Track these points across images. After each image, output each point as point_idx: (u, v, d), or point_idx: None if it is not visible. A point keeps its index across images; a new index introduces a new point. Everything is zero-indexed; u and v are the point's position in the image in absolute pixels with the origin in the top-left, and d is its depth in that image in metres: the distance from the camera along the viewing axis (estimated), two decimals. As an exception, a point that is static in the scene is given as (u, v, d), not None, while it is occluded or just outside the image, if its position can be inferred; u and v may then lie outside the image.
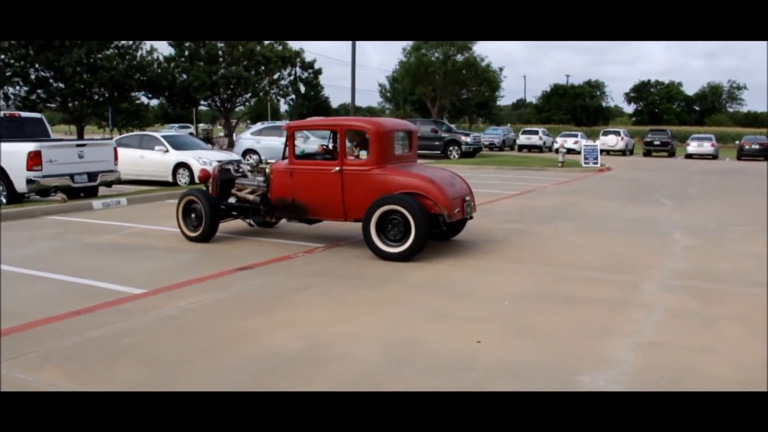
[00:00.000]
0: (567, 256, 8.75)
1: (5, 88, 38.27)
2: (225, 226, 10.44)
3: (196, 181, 15.88)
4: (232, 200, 9.99)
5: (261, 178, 9.77)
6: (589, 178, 22.49)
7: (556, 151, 29.71)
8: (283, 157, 9.60)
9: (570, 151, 37.38)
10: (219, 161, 10.43)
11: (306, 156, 10.07)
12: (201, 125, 71.80)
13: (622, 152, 42.66)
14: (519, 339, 5.41)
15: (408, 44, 50.33)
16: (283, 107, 59.83)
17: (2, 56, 36.41)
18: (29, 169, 13.20)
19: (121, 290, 6.76)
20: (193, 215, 9.71)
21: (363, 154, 9.16)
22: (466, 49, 48.74)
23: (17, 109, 37.80)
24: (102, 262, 8.14)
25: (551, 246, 9.55)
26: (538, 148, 46.66)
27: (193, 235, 9.65)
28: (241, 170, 10.23)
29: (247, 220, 10.17)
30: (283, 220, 10.00)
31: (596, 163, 27.34)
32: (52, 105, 42.21)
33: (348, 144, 9.42)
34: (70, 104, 41.05)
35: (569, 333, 5.55)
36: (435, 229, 8.64)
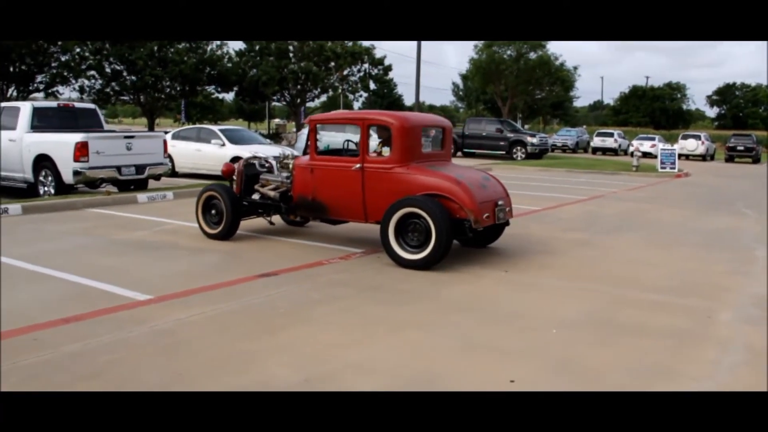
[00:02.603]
0: (632, 274, 7.74)
1: (81, 80, 39.01)
2: (267, 227, 9.83)
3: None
4: (255, 197, 9.37)
5: (285, 174, 9.14)
6: (665, 184, 21.06)
7: (631, 154, 28.18)
8: (304, 152, 8.91)
9: (646, 155, 35.74)
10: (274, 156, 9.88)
11: (330, 152, 9.37)
12: (276, 120, 72.34)
13: (702, 157, 40.53)
14: (560, 379, 4.50)
15: (480, 41, 49.18)
16: (357, 104, 59.41)
17: (78, 50, 37.01)
18: (76, 160, 12.92)
19: (125, 295, 6.16)
20: (213, 211, 9.17)
21: (386, 151, 8.38)
22: (540, 47, 47.28)
23: (92, 101, 38.60)
24: (119, 262, 7.59)
25: (615, 260, 8.53)
26: (613, 151, 44.79)
27: (212, 232, 9.12)
28: (267, 165, 9.58)
29: (268, 218, 9.56)
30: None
31: (673, 168, 25.76)
32: (126, 97, 42.93)
33: (374, 140, 8.65)
34: (142, 97, 41.64)
35: (621, 374, 4.61)
36: (461, 236, 7.87)
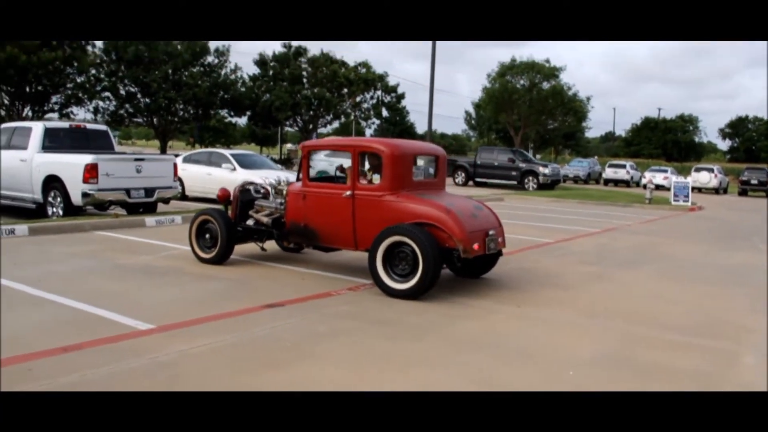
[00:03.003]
0: (648, 311, 7.50)
1: (95, 101, 39.22)
2: (275, 253, 9.69)
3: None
4: (250, 222, 9.31)
5: (280, 200, 9.09)
6: (679, 218, 20.80)
7: (644, 186, 27.95)
8: (297, 178, 8.85)
9: (659, 187, 35.48)
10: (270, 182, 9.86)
11: (322, 178, 9.35)
12: (288, 145, 72.50)
13: (716, 190, 40.28)
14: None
15: (493, 70, 49.28)
16: (369, 131, 59.53)
17: (93, 71, 37.26)
18: (85, 181, 12.81)
19: (126, 323, 5.98)
20: (207, 236, 9.12)
21: (377, 179, 8.26)
22: (553, 76, 47.29)
23: (106, 122, 38.79)
24: (123, 288, 7.43)
25: (631, 296, 8.30)
26: (625, 183, 44.58)
27: (205, 256, 9.07)
28: (262, 191, 9.50)
29: (260, 244, 9.49)
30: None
31: (687, 201, 25.49)
32: (139, 120, 43.14)
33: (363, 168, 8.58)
34: (155, 120, 41.81)
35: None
36: (450, 265, 7.81)
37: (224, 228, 8.89)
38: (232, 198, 9.49)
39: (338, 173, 9.02)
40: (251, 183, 9.86)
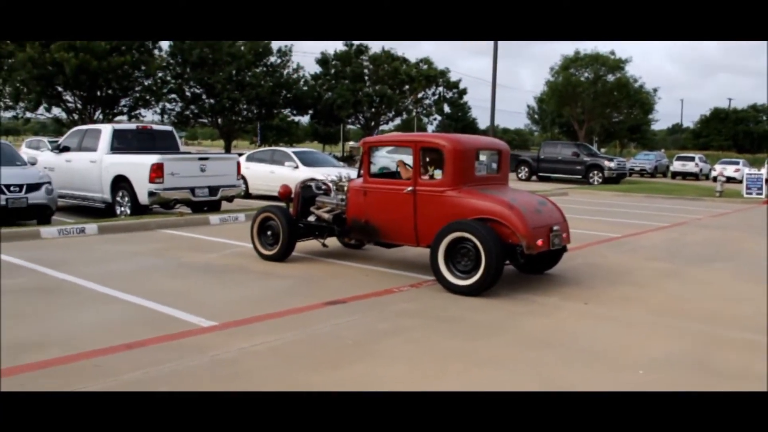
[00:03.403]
0: (723, 309, 7.17)
1: (162, 103, 40.15)
2: (336, 249, 9.67)
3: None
4: (311, 219, 9.29)
5: (341, 197, 9.05)
6: (752, 211, 20.00)
7: (714, 179, 27.05)
8: (358, 175, 8.78)
9: (730, 179, 34.28)
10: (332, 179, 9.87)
11: (383, 174, 9.26)
12: (351, 143, 72.92)
13: (792, 183, 38.65)
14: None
15: (556, 63, 48.41)
16: (431, 127, 59.39)
17: (160, 74, 38.15)
18: (151, 181, 13.08)
19: (190, 321, 6.01)
20: (269, 232, 9.15)
21: (438, 174, 8.13)
22: (618, 69, 46.18)
23: (172, 123, 39.68)
24: (186, 286, 7.50)
25: (705, 294, 7.96)
26: (694, 176, 43.20)
27: (268, 253, 9.11)
28: (324, 188, 9.48)
29: (321, 241, 9.46)
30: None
31: (760, 194, 24.52)
32: (204, 120, 43.97)
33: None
34: (219, 120, 42.54)
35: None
36: (513, 261, 7.71)
37: (286, 225, 8.92)
38: (293, 195, 9.51)
39: (398, 169, 8.94)
40: (312, 179, 9.86)
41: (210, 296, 7.05)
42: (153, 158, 13.18)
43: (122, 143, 14.26)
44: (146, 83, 36.90)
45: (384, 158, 24.32)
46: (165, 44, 38.36)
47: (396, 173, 9.05)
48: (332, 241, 9.63)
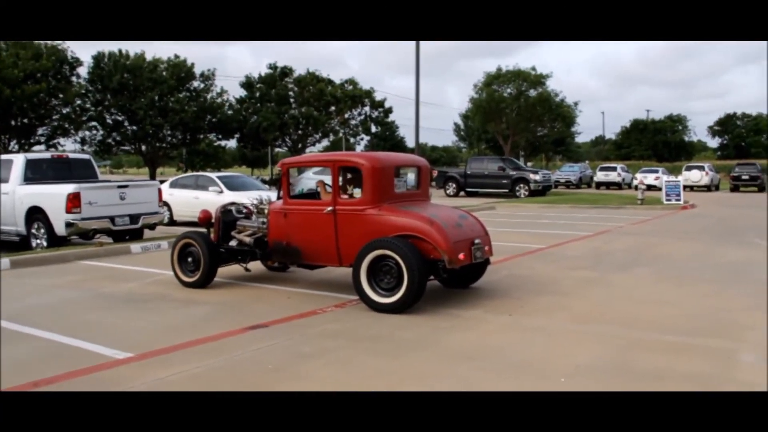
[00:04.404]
0: (645, 313, 7.30)
1: (82, 131, 39.08)
2: (260, 273, 9.48)
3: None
4: (233, 243, 9.10)
5: (262, 220, 8.91)
6: (672, 216, 20.66)
7: (636, 188, 27.89)
8: (278, 197, 8.68)
9: (651, 187, 35.41)
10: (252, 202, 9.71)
11: (303, 195, 9.20)
12: (277, 165, 72.34)
13: (707, 188, 40.23)
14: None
15: (479, 80, 49.28)
16: (359, 147, 59.44)
17: (79, 101, 37.15)
18: (68, 211, 12.62)
19: (104, 353, 5.76)
20: (189, 259, 8.92)
21: (358, 193, 8.10)
22: (539, 84, 47.31)
23: (95, 152, 38.63)
24: (104, 318, 7.21)
25: (627, 299, 8.10)
26: (617, 185, 44.55)
27: (189, 280, 8.87)
28: (245, 211, 9.31)
29: (244, 265, 9.24)
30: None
31: (679, 200, 25.39)
32: (127, 147, 42.95)
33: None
34: (143, 147, 41.63)
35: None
36: (437, 276, 7.71)
37: (206, 250, 8.70)
38: (213, 219, 9.30)
39: (317, 189, 8.86)
40: (233, 203, 9.67)
41: (127, 327, 6.79)
42: (69, 187, 12.72)
43: (36, 173, 13.74)
44: (64, 111, 35.90)
45: (310, 180, 24.23)
46: (83, 71, 37.42)
47: (316, 194, 8.96)
48: (256, 265, 9.43)
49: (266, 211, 8.82)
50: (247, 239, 8.89)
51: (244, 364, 5.49)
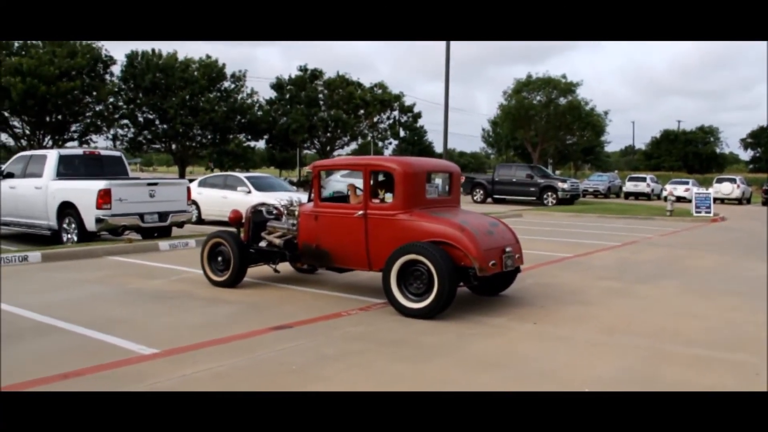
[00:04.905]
0: (671, 325, 7.23)
1: (114, 129, 39.61)
2: (286, 274, 9.54)
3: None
4: (262, 244, 9.13)
5: (292, 221, 8.91)
6: (701, 229, 20.42)
7: (665, 199, 27.61)
8: (309, 199, 8.70)
9: (680, 199, 35.03)
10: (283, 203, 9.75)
11: (334, 198, 9.20)
12: (307, 168, 72.69)
13: (738, 201, 39.66)
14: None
15: (509, 87, 49.09)
16: (387, 151, 59.53)
17: (112, 99, 37.65)
18: (98, 207, 12.80)
19: (131, 349, 5.83)
20: (219, 258, 8.96)
21: (389, 197, 8.11)
22: (570, 92, 47.02)
23: (126, 150, 39.13)
24: (131, 313, 7.30)
25: (653, 311, 8.03)
26: (646, 196, 44.10)
27: (218, 279, 8.92)
28: (275, 212, 9.33)
29: (273, 266, 9.26)
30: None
31: (709, 212, 25.07)
32: (157, 146, 43.45)
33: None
34: (173, 145, 42.08)
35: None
36: (467, 283, 7.64)
37: (236, 250, 8.75)
38: (244, 220, 9.35)
39: (348, 193, 8.87)
40: (263, 204, 9.71)
41: (154, 323, 6.87)
42: (100, 184, 12.91)
43: (69, 169, 13.96)
44: (97, 109, 36.41)
45: (338, 183, 24.32)
46: (117, 69, 37.93)
47: (347, 197, 8.98)
48: (283, 266, 9.49)
49: (296, 213, 8.84)
50: (277, 241, 8.92)
51: (267, 363, 5.53)
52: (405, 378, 5.26)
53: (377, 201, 8.12)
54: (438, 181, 9.36)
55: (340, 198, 9.35)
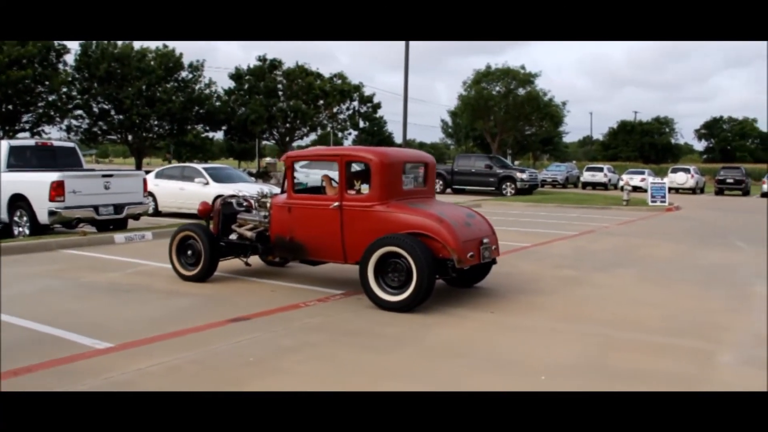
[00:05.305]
0: (626, 313, 7.35)
1: (68, 119, 38.76)
2: (245, 267, 9.44)
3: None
4: (233, 237, 8.96)
5: (264, 213, 8.75)
6: (656, 218, 20.79)
7: (621, 188, 28.07)
8: (282, 191, 8.58)
9: (636, 189, 35.62)
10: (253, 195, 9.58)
11: (308, 190, 9.06)
12: (267, 159, 72.21)
13: (692, 190, 40.49)
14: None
15: (469, 78, 49.27)
16: (346, 142, 59.36)
17: (65, 89, 36.81)
18: (51, 199, 12.52)
19: (84, 344, 5.72)
20: (189, 252, 8.75)
21: (365, 188, 8.03)
22: (529, 83, 47.38)
23: (80, 141, 38.33)
24: (84, 307, 7.17)
25: (608, 299, 8.15)
26: (603, 186, 44.78)
27: (188, 274, 8.71)
28: (245, 204, 9.19)
29: (244, 260, 9.11)
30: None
31: (664, 202, 25.56)
32: (113, 137, 42.63)
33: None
34: (130, 137, 41.34)
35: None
36: (444, 275, 7.50)
37: (207, 244, 8.55)
38: (213, 212, 9.16)
39: (323, 184, 8.76)
40: (233, 196, 9.51)
41: (108, 317, 6.75)
42: (53, 176, 12.63)
43: (20, 160, 13.62)
44: (50, 98, 35.57)
45: (296, 173, 24.14)
46: (70, 58, 37.09)
47: (320, 188, 8.88)
48: (252, 259, 9.34)
49: (268, 205, 8.70)
50: (249, 233, 8.74)
51: (224, 356, 5.47)
52: (365, 368, 5.26)
53: (353, 192, 8.01)
54: (412, 171, 9.22)
55: (312, 189, 9.23)
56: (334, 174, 8.19)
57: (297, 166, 8.63)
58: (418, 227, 7.34)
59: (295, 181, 8.63)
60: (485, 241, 7.75)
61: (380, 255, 7.25)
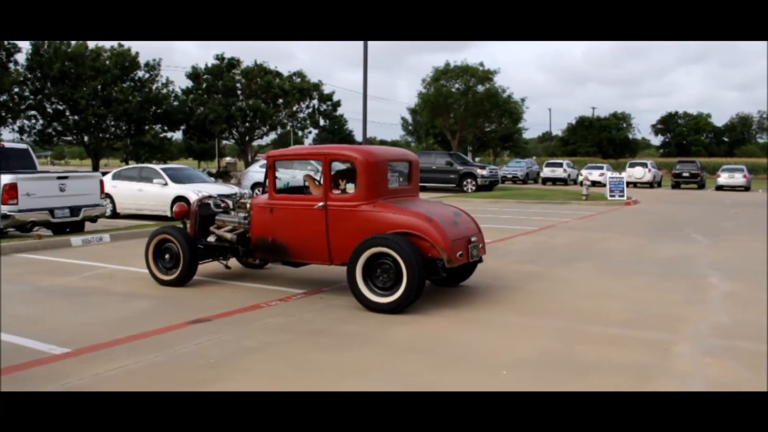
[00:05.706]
0: (586, 307, 7.44)
1: (21, 120, 37.94)
2: (205, 268, 9.31)
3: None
4: (211, 239, 8.79)
5: (243, 215, 8.56)
6: (615, 212, 21.09)
7: (581, 183, 28.45)
8: (263, 191, 8.44)
9: (595, 183, 36.12)
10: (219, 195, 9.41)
11: (290, 190, 8.91)
12: (227, 159, 71.57)
13: (650, 184, 41.17)
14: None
15: (428, 75, 49.46)
16: (307, 141, 59.06)
17: (17, 89, 36.01)
18: (4, 202, 12.22)
19: (39, 349, 5.60)
20: (167, 256, 8.51)
21: (351, 188, 7.93)
22: (487, 80, 47.73)
23: (34, 142, 37.52)
24: (40, 312, 7.01)
25: (569, 293, 8.24)
26: (563, 181, 45.28)
27: (167, 278, 8.45)
28: (222, 205, 9.04)
29: (224, 262, 8.92)
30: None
31: (622, 196, 25.97)
32: (69, 138, 41.83)
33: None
34: (86, 137, 40.61)
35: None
36: (433, 275, 7.36)
37: (186, 246, 8.31)
38: (190, 213, 8.95)
39: (305, 183, 8.64)
40: (211, 197, 9.31)
41: (65, 322, 6.61)
42: (5, 178, 12.33)
43: (-29, 163, 13.29)
44: (1, 99, 34.75)
45: (257, 173, 23.93)
46: (22, 57, 36.27)
47: (303, 188, 8.73)
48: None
49: (248, 206, 8.50)
50: (229, 235, 8.54)
51: (185, 358, 5.40)
52: (326, 366, 5.23)
53: (338, 192, 7.88)
54: (396, 170, 9.10)
55: (294, 189, 9.09)
56: (310, 173, 8.05)
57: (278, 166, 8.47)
58: (406, 227, 7.23)
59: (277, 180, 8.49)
60: (473, 239, 7.70)
61: (368, 256, 7.11)
